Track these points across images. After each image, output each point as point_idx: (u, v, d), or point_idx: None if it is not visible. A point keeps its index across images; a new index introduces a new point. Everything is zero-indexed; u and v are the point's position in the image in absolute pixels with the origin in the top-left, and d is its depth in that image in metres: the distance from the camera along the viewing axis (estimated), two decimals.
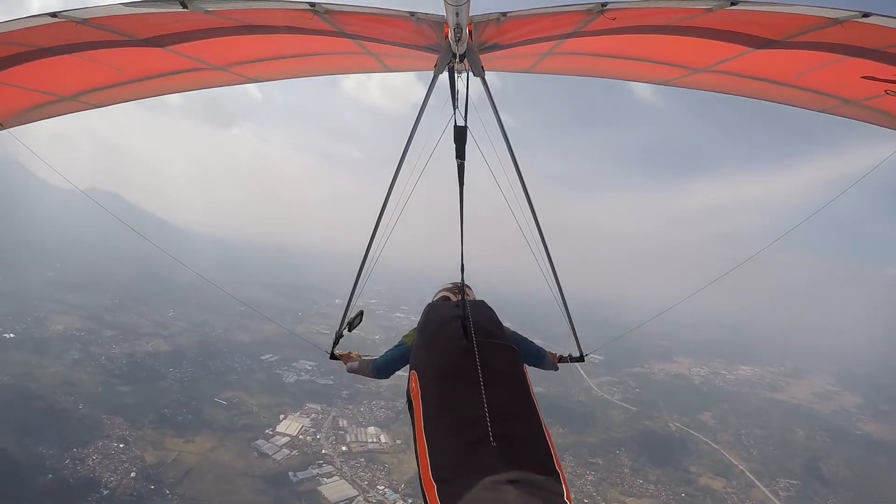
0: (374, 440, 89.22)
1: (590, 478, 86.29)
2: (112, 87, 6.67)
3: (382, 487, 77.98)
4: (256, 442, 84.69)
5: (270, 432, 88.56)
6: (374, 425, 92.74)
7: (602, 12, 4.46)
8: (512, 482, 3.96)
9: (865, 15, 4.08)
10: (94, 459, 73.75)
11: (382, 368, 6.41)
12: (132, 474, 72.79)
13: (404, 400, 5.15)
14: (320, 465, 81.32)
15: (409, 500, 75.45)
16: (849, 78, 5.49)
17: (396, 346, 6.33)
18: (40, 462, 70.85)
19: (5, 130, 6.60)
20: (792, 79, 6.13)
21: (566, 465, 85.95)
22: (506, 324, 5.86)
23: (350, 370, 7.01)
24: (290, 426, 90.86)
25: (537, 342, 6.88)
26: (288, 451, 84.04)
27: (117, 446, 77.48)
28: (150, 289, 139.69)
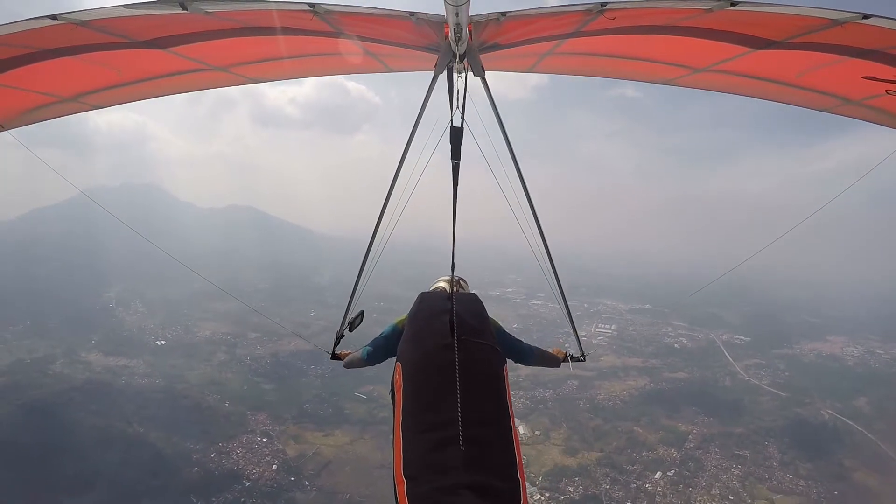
0: None
1: (736, 472, 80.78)
2: (113, 89, 6.73)
3: None
4: None
5: None
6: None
7: (602, 12, 4.48)
8: (472, 488, 4.03)
9: (866, 16, 4.09)
10: (238, 453, 77.27)
11: (372, 353, 6.36)
12: (273, 467, 75.54)
13: (388, 391, 5.28)
14: None
15: (546, 494, 74.16)
16: (849, 78, 5.56)
17: (389, 327, 6.26)
18: (187, 456, 75.29)
19: (7, 132, 6.61)
20: (792, 78, 6.23)
21: (711, 458, 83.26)
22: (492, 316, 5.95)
23: (346, 365, 7.15)
24: None
25: (525, 340, 6.82)
26: None
27: (260, 440, 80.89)
28: (291, 293, 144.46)
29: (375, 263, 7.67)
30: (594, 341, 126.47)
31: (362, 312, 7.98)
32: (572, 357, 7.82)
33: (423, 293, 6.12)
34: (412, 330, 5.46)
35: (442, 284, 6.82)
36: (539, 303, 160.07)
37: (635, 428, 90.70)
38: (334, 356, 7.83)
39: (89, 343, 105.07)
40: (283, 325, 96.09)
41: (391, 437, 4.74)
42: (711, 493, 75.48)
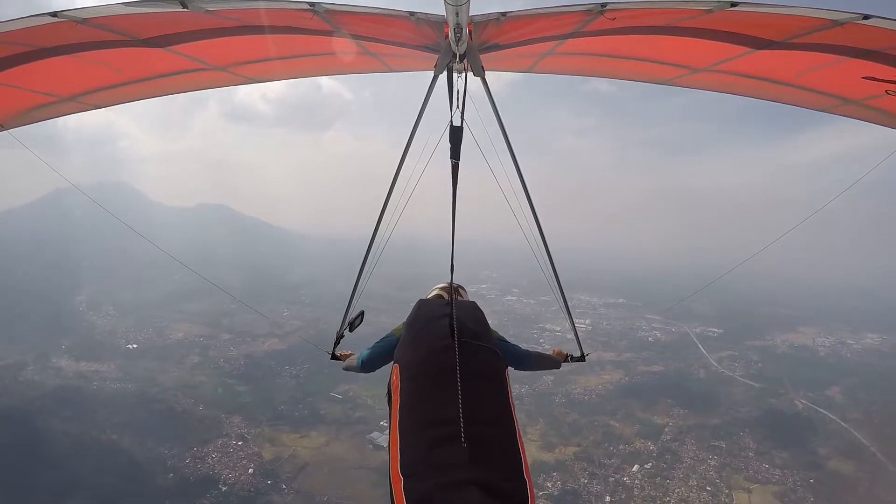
0: None
1: (712, 463, 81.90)
2: (112, 88, 6.68)
3: None
4: (371, 434, 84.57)
5: (385, 424, 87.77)
6: None
7: (602, 12, 4.47)
8: (477, 484, 3.93)
9: (866, 17, 4.09)
10: (213, 458, 76.50)
11: (367, 361, 6.22)
12: (250, 470, 74.96)
13: (384, 393, 5.13)
14: None
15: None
16: (849, 78, 5.52)
17: (384, 337, 6.20)
18: (162, 461, 74.43)
19: (8, 131, 6.55)
20: (792, 78, 6.20)
21: (687, 450, 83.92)
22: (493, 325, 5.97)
23: (345, 368, 7.06)
24: None
25: (524, 346, 6.81)
26: None
27: (236, 444, 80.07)
28: (264, 292, 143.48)
29: (376, 263, 7.60)
30: (569, 336, 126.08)
31: (362, 313, 7.88)
32: (573, 357, 7.82)
33: (421, 300, 6.08)
34: (411, 334, 5.39)
35: (438, 292, 6.70)
36: (513, 298, 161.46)
37: (611, 422, 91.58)
38: (334, 357, 7.82)
39: (60, 348, 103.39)
40: (282, 325, 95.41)
41: (387, 437, 4.62)
42: (689, 484, 76.36)
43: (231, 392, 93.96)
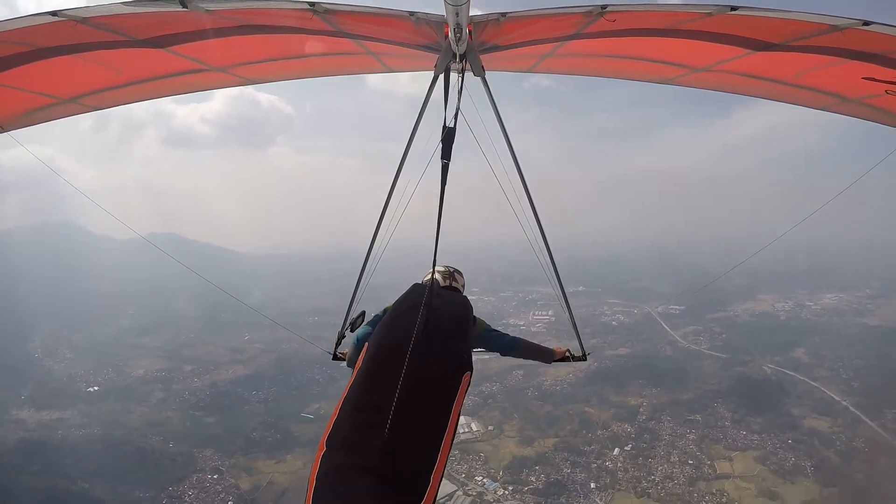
0: (466, 430, 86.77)
1: (691, 437, 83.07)
2: (112, 90, 6.65)
3: (480, 478, 76.51)
4: None
5: None
6: (463, 415, 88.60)
7: (602, 14, 4.48)
8: (377, 473, 4.19)
9: (866, 23, 4.17)
10: (190, 495, 74.22)
11: (362, 338, 6.24)
12: (229, 503, 73.17)
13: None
14: None
15: (510, 487, 74.33)
16: (849, 78, 5.60)
17: (377, 314, 6.42)
18: None
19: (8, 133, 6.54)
20: (791, 78, 6.25)
21: (665, 427, 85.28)
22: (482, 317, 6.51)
23: (348, 363, 6.88)
24: None
25: (512, 334, 7.06)
26: None
27: (211, 478, 77.83)
28: (222, 318, 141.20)
29: (377, 264, 7.77)
30: (533, 329, 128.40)
31: (363, 313, 7.53)
32: (574, 357, 7.91)
33: (416, 283, 6.42)
34: (390, 316, 5.69)
35: (438, 278, 6.83)
36: (474, 297, 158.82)
37: (586, 409, 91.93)
38: (335, 357, 8.10)
39: (19, 399, 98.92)
40: (244, 350, 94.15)
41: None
42: (671, 460, 77.26)
43: (200, 425, 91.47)
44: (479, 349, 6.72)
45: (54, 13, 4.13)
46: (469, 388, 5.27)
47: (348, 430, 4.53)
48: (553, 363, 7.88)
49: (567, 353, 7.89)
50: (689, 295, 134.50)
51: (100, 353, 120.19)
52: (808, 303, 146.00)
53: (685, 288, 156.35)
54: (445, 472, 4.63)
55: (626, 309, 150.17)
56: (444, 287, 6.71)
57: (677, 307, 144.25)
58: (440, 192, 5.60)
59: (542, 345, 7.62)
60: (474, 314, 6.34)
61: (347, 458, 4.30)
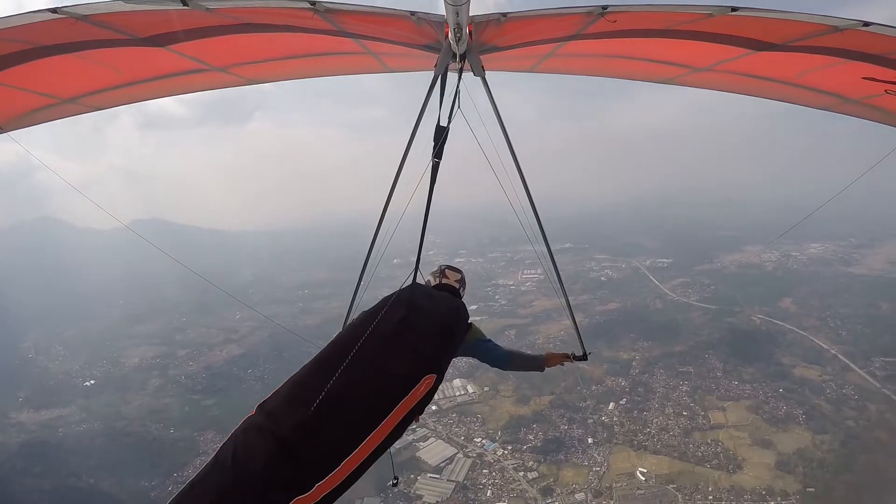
0: (462, 392, 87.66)
1: (684, 388, 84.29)
2: (112, 90, 6.65)
3: (479, 439, 77.49)
4: None
5: None
6: (459, 377, 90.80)
7: (602, 14, 4.49)
8: (284, 443, 4.30)
9: (866, 24, 4.19)
10: None
11: None
12: None
13: None
14: (414, 431, 79.04)
15: (509, 447, 75.28)
16: (849, 78, 5.65)
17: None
18: (145, 495, 72.04)
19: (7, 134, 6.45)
20: (793, 77, 6.30)
21: (658, 380, 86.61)
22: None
23: None
24: None
25: (505, 347, 6.97)
26: None
27: None
28: (212, 299, 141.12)
29: (378, 263, 7.38)
30: (522, 288, 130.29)
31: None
32: (576, 357, 7.90)
33: (415, 284, 6.41)
34: (375, 308, 5.69)
35: (430, 278, 6.95)
36: (462, 260, 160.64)
37: (580, 365, 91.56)
38: None
39: (17, 401, 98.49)
40: (236, 329, 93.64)
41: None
42: (665, 412, 78.49)
43: (199, 408, 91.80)
44: (470, 357, 6.86)
45: (54, 10, 4.14)
46: (432, 393, 5.23)
47: (278, 401, 4.75)
48: (549, 367, 7.82)
49: (570, 356, 7.89)
50: (675, 248, 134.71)
51: (93, 346, 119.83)
52: (794, 253, 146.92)
53: (671, 242, 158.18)
54: (370, 468, 4.74)
55: (613, 264, 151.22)
56: (437, 286, 6.74)
57: (665, 260, 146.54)
58: (429, 192, 5.98)
59: (534, 354, 7.65)
60: (470, 322, 6.37)
61: (264, 422, 4.50)
